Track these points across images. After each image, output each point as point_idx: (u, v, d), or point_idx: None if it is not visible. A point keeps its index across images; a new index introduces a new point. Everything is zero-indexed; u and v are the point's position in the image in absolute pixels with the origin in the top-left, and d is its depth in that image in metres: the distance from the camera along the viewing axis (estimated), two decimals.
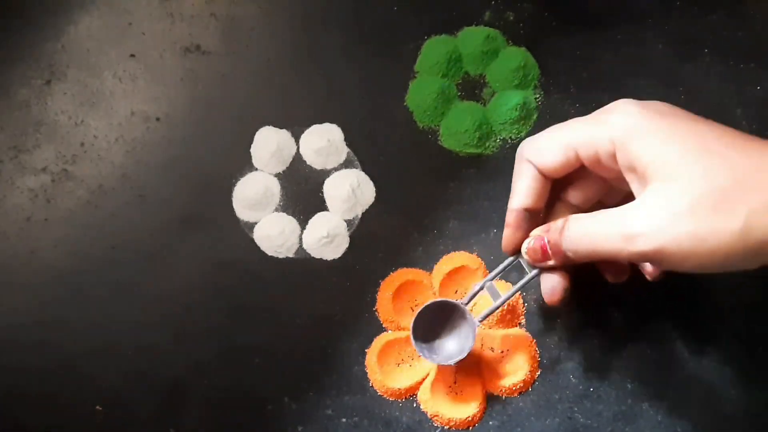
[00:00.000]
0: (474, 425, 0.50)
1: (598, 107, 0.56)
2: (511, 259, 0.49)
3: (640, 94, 0.56)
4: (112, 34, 0.59)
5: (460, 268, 0.53)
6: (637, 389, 0.51)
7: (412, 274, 0.53)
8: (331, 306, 0.53)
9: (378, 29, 0.59)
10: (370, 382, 0.52)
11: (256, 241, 0.55)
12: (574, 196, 0.48)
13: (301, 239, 0.55)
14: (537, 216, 0.48)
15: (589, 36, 0.59)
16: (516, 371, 0.51)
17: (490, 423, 0.51)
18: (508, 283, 0.53)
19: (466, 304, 0.49)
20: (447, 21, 0.59)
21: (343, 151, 0.57)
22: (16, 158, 0.57)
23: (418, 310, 0.49)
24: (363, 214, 0.55)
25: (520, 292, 0.51)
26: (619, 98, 0.56)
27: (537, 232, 0.47)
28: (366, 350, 0.52)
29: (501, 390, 0.51)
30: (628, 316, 0.52)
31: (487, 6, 0.60)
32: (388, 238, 0.55)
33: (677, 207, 0.39)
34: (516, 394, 0.51)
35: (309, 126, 0.57)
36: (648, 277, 0.48)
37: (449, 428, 0.50)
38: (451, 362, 0.49)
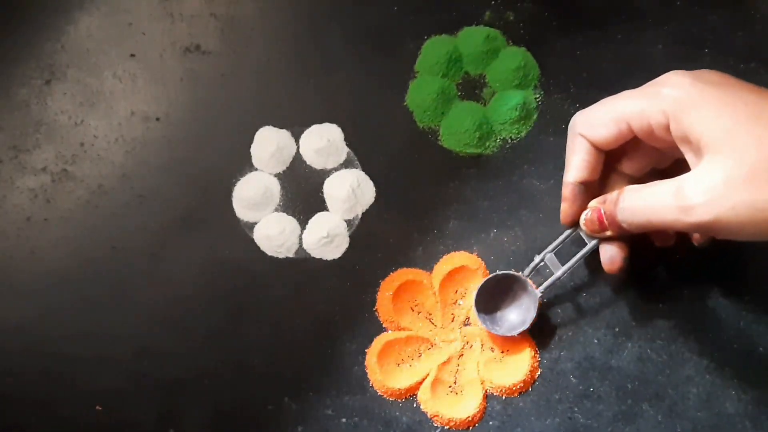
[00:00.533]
0: (474, 425, 0.50)
1: None
2: (569, 231, 0.50)
3: None
4: (112, 34, 0.59)
5: (460, 268, 0.53)
6: (637, 389, 0.51)
7: (412, 274, 0.53)
8: (331, 306, 0.53)
9: (378, 29, 0.59)
10: (370, 382, 0.52)
11: (256, 241, 0.55)
12: (627, 166, 0.49)
13: (301, 239, 0.55)
14: (593, 188, 0.49)
15: (589, 35, 0.59)
16: (516, 371, 0.51)
17: (490, 423, 0.51)
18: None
19: (527, 276, 0.51)
20: (447, 21, 0.59)
21: (343, 151, 0.57)
22: (15, 158, 0.57)
23: (474, 289, 0.51)
24: (363, 214, 0.55)
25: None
26: None
27: (594, 203, 0.48)
28: (366, 350, 0.52)
29: (501, 390, 0.51)
30: (629, 317, 0.52)
31: (487, 6, 0.60)
32: (388, 238, 0.55)
33: (733, 177, 0.40)
34: (516, 394, 0.51)
35: (309, 126, 0.57)
36: (695, 243, 0.49)
37: (449, 428, 0.50)
38: (515, 333, 0.50)
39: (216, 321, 0.53)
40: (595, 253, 0.49)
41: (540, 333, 0.52)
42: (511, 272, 0.51)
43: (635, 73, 0.57)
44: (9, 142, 0.57)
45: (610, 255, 0.48)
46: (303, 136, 0.57)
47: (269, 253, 0.55)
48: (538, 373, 0.51)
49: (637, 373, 0.51)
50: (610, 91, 0.56)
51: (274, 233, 0.54)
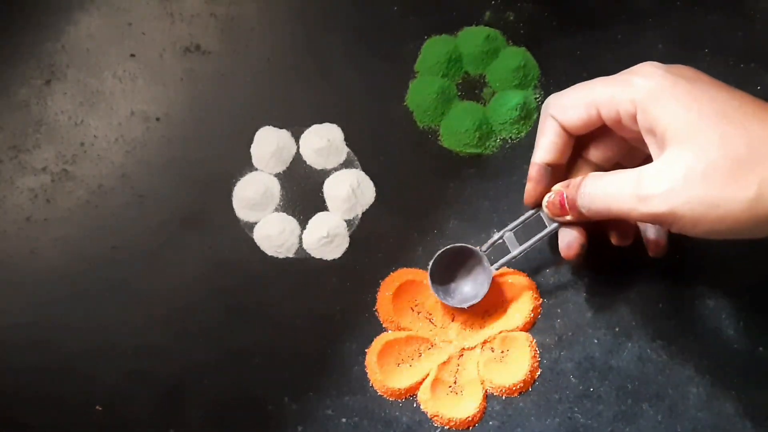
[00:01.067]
0: (474, 425, 0.50)
1: None
2: (532, 211, 0.51)
3: None
4: (112, 34, 0.59)
5: None
6: (637, 389, 0.51)
7: (412, 274, 0.53)
8: (331, 306, 0.53)
9: (378, 29, 0.59)
10: (370, 382, 0.52)
11: (256, 241, 0.55)
12: (595, 155, 0.49)
13: (301, 239, 0.55)
14: (560, 172, 0.49)
15: (589, 36, 0.59)
16: (516, 371, 0.51)
17: (490, 423, 0.51)
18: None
19: (485, 251, 0.51)
20: (447, 21, 0.59)
21: (343, 151, 0.57)
22: (16, 158, 0.57)
23: (435, 256, 0.52)
24: (363, 214, 0.55)
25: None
26: None
27: (557, 187, 0.48)
28: (366, 350, 0.52)
29: (501, 390, 0.51)
30: (629, 317, 0.52)
31: (487, 6, 0.60)
32: (388, 238, 0.55)
33: (692, 171, 0.40)
34: (516, 394, 0.51)
35: (309, 126, 0.57)
36: (650, 253, 0.50)
37: (449, 428, 0.50)
38: (465, 305, 0.51)
39: (216, 321, 0.53)
40: (553, 237, 0.50)
41: (540, 333, 0.52)
42: (467, 245, 0.52)
43: None
44: (9, 142, 0.57)
45: (568, 240, 0.49)
46: (303, 136, 0.57)
47: (269, 253, 0.55)
48: (538, 373, 0.51)
49: (637, 373, 0.51)
50: None
51: (274, 233, 0.54)
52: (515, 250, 0.51)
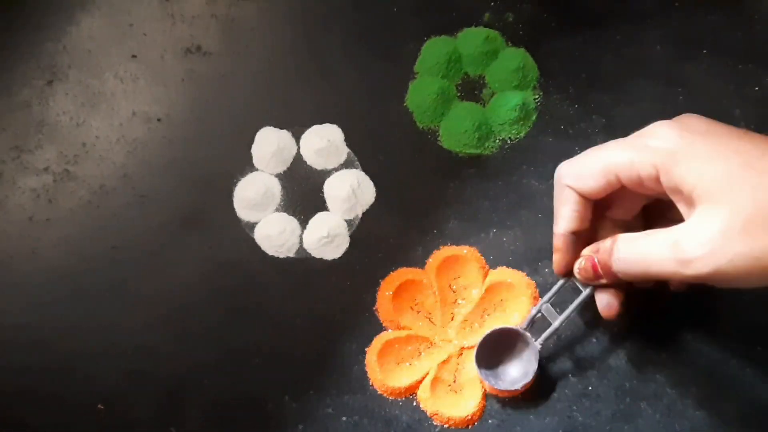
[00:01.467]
0: (473, 424, 0.51)
1: (598, 107, 0.56)
2: (563, 280, 0.49)
3: (640, 94, 0.56)
4: (114, 34, 0.59)
5: (453, 257, 0.53)
6: (636, 388, 0.51)
7: (412, 274, 0.53)
8: (331, 306, 0.53)
9: (378, 29, 0.59)
10: (370, 381, 0.52)
11: (256, 241, 0.55)
12: (617, 212, 0.48)
13: (301, 239, 0.55)
14: (583, 236, 0.48)
15: (588, 36, 0.59)
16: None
17: (490, 422, 0.51)
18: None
19: (525, 329, 0.50)
20: (447, 22, 0.59)
21: (343, 151, 0.57)
22: (18, 158, 0.57)
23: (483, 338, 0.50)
24: (363, 214, 0.56)
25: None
26: (619, 98, 0.57)
27: (587, 251, 0.47)
28: (366, 350, 0.52)
29: (500, 390, 0.51)
30: (628, 315, 0.52)
31: (487, 7, 0.60)
32: (388, 238, 0.55)
33: (729, 228, 0.39)
34: (516, 394, 0.51)
35: (309, 126, 0.57)
36: (671, 288, 0.49)
37: (449, 427, 0.51)
38: (518, 386, 0.49)
39: (216, 320, 0.53)
40: (592, 299, 0.49)
41: (540, 333, 0.52)
42: (508, 326, 0.50)
43: (635, 73, 0.57)
44: (11, 143, 0.57)
45: (607, 301, 0.48)
46: (303, 136, 0.57)
47: (269, 253, 0.55)
48: (538, 372, 0.51)
49: (636, 372, 0.51)
50: (610, 91, 0.57)
51: (275, 233, 0.54)
52: (556, 322, 0.49)
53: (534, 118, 0.57)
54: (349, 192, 0.55)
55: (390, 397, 0.51)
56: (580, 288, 0.49)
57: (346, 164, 0.57)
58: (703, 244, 0.40)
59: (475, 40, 0.58)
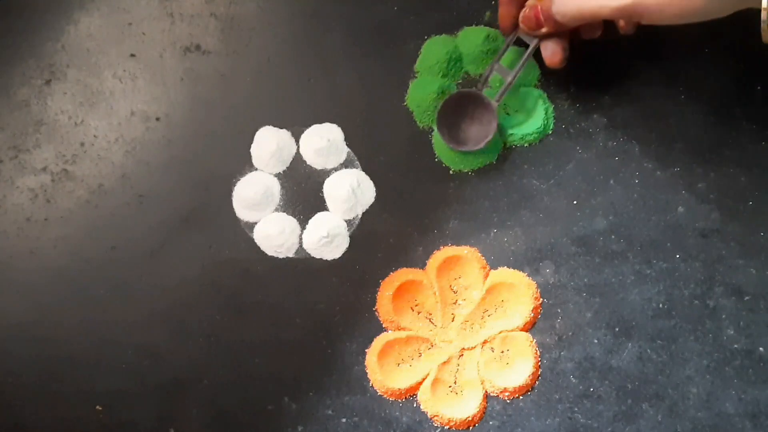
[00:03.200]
0: (474, 425, 0.51)
1: (599, 107, 0.56)
2: (510, 36, 0.54)
3: (640, 94, 0.56)
4: (112, 34, 0.59)
5: (454, 257, 0.53)
6: (637, 389, 0.51)
7: (412, 274, 0.53)
8: (331, 306, 0.53)
9: (378, 29, 0.59)
10: (370, 382, 0.52)
11: (256, 241, 0.55)
12: None
13: (301, 239, 0.55)
14: None
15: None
16: (516, 371, 0.51)
17: (490, 423, 0.51)
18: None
19: (481, 89, 0.54)
20: (447, 21, 0.59)
21: (343, 151, 0.57)
22: (16, 158, 0.57)
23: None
24: (363, 214, 0.55)
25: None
26: (619, 98, 0.56)
27: (531, 2, 0.52)
28: (366, 350, 0.52)
29: (501, 390, 0.51)
30: (629, 317, 0.52)
31: (487, 6, 0.59)
32: (388, 238, 0.55)
33: None
34: (516, 395, 0.51)
35: (309, 126, 0.57)
36: (621, 31, 0.53)
37: (449, 428, 0.51)
38: (482, 145, 0.54)
39: (216, 320, 0.53)
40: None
41: (540, 333, 0.52)
42: (466, 90, 0.54)
43: (635, 73, 0.57)
44: (9, 142, 0.57)
45: (551, 50, 0.52)
46: (303, 136, 0.57)
47: (269, 253, 0.55)
48: (539, 372, 0.51)
49: (637, 373, 0.51)
50: (610, 91, 0.56)
51: (274, 233, 0.54)
52: (509, 77, 0.53)
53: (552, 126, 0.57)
54: (349, 192, 0.55)
55: (390, 398, 0.51)
56: (527, 41, 0.53)
57: (346, 164, 0.56)
58: None
59: (476, 39, 0.58)
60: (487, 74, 0.54)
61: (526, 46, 0.53)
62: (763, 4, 0.45)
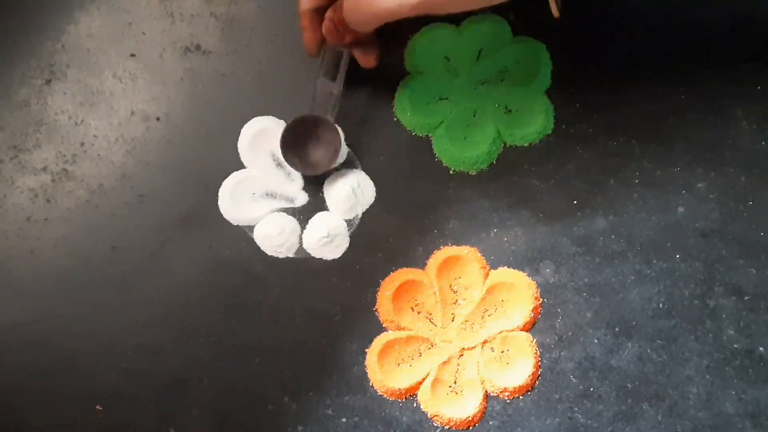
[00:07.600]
0: (474, 425, 0.51)
1: (599, 107, 0.56)
2: (323, 54, 0.54)
3: (640, 94, 0.56)
4: (112, 33, 0.59)
5: (454, 257, 0.53)
6: (637, 389, 0.51)
7: (412, 274, 0.53)
8: (331, 306, 0.53)
9: (377, 29, 0.59)
10: (371, 382, 0.52)
11: (256, 241, 0.55)
12: None
13: (301, 239, 0.55)
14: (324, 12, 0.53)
15: (589, 35, 0.59)
16: (516, 371, 0.51)
17: (490, 423, 0.51)
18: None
19: (313, 110, 0.53)
20: (447, 20, 0.59)
21: (343, 151, 0.57)
22: (16, 158, 0.57)
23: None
24: (363, 214, 0.55)
25: None
26: (620, 98, 0.56)
27: (328, 14, 0.52)
28: (366, 350, 0.52)
29: (501, 390, 0.51)
30: (629, 317, 0.52)
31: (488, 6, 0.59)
32: (388, 238, 0.55)
33: None
34: (516, 395, 0.51)
35: None
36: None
37: (449, 428, 0.51)
38: (333, 166, 0.54)
39: (216, 321, 0.53)
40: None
41: (540, 333, 0.52)
42: (302, 115, 0.53)
43: (635, 73, 0.57)
44: (9, 142, 0.57)
45: (363, 55, 0.54)
46: None
47: (269, 253, 0.55)
48: (539, 372, 0.51)
49: (637, 373, 0.51)
50: (610, 91, 0.56)
51: (274, 233, 0.54)
52: (334, 89, 0.53)
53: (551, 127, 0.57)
54: (349, 192, 0.55)
55: (390, 398, 0.51)
56: (344, 57, 0.53)
57: (346, 164, 0.56)
58: None
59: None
60: (314, 94, 0.54)
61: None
62: None
